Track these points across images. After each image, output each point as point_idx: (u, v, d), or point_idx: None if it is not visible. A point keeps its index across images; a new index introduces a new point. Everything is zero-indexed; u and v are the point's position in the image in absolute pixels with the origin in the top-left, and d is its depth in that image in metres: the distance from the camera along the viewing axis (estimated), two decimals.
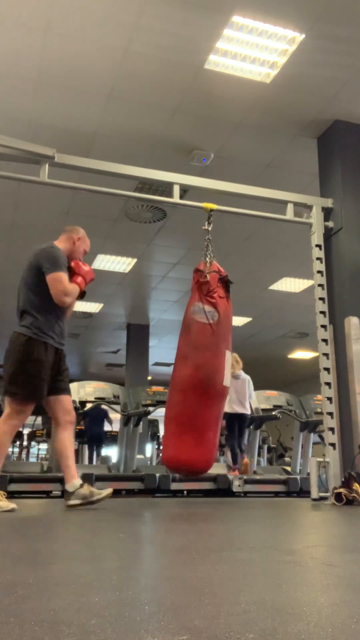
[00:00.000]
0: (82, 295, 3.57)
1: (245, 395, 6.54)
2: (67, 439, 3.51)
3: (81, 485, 3.37)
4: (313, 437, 7.51)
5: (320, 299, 4.80)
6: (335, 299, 4.86)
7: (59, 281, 3.34)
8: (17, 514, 3.31)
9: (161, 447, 10.96)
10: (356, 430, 4.49)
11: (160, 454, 10.97)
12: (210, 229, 4.38)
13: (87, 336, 12.62)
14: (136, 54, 4.45)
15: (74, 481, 3.39)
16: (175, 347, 4.08)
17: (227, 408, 6.48)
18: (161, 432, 11.05)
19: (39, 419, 10.66)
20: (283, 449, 10.30)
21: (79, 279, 3.48)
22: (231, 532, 2.60)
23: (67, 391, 3.56)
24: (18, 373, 3.34)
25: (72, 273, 3.52)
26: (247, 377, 6.66)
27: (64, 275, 3.36)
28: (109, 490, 3.46)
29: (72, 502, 3.34)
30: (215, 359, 3.90)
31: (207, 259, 4.19)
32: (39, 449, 12.78)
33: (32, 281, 3.48)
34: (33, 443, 10.99)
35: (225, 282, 4.10)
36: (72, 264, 3.56)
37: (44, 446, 11.68)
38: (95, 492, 3.40)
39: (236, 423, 6.51)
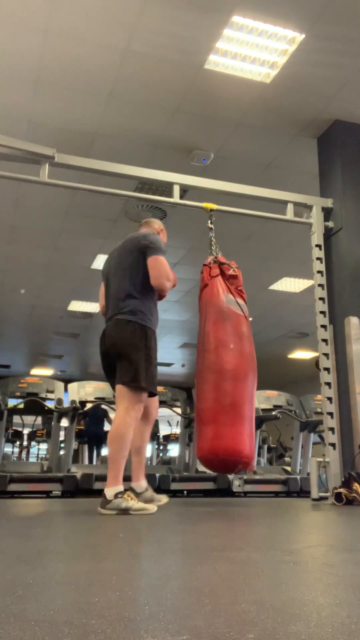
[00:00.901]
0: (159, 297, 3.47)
1: None
2: (146, 435, 3.38)
3: (146, 489, 3.31)
4: (313, 437, 7.51)
5: (320, 299, 4.80)
6: (335, 299, 4.86)
7: (163, 264, 3.21)
8: (17, 514, 3.31)
9: (161, 447, 10.96)
10: (356, 430, 4.49)
11: (161, 455, 10.95)
12: (213, 227, 4.42)
13: (87, 336, 12.62)
14: (136, 54, 4.45)
15: (142, 482, 3.33)
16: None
17: None
18: (161, 432, 11.05)
19: (39, 419, 10.65)
20: (283, 449, 10.30)
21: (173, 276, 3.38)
22: (231, 532, 2.60)
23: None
24: (140, 362, 3.14)
25: None
26: None
27: (164, 259, 3.23)
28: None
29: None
30: (254, 352, 3.99)
31: (217, 255, 4.25)
32: (39, 449, 12.77)
33: (132, 265, 3.31)
34: (33, 443, 10.98)
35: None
36: None
37: (44, 446, 11.68)
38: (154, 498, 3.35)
39: None
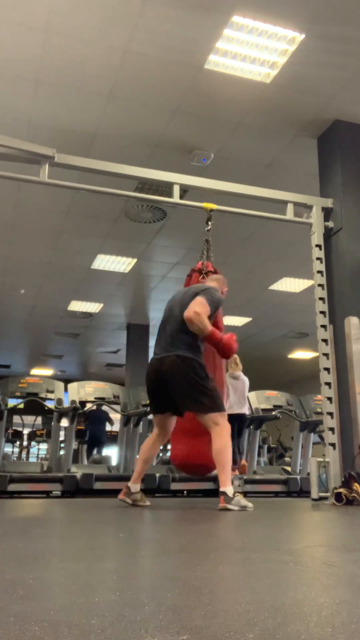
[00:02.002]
0: (224, 353, 3.72)
1: (244, 396, 6.58)
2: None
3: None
4: (313, 437, 7.51)
5: (320, 299, 4.80)
6: (335, 299, 4.86)
7: (200, 304, 3.48)
8: (18, 514, 3.31)
9: (169, 446, 10.97)
10: (356, 430, 4.49)
11: (161, 455, 10.97)
12: (208, 229, 4.42)
13: (87, 336, 12.62)
14: (136, 54, 4.45)
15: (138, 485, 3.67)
16: None
17: (227, 410, 6.50)
18: None
19: (39, 419, 10.67)
20: (283, 449, 10.30)
21: (217, 332, 3.56)
22: (231, 532, 2.60)
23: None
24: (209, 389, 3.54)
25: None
26: (246, 379, 6.69)
27: (207, 307, 3.49)
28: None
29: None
30: None
31: (207, 259, 4.26)
32: (38, 449, 12.78)
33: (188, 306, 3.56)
34: (33, 443, 10.99)
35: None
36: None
37: (44, 446, 11.68)
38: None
39: (236, 424, 6.53)
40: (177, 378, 3.49)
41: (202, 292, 3.56)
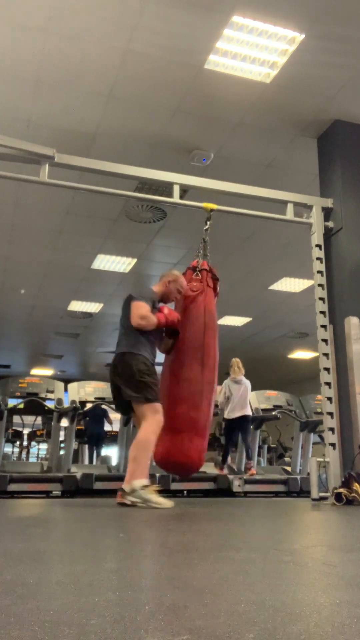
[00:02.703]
0: (172, 334, 4.00)
1: (246, 400, 6.63)
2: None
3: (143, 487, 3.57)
4: (313, 437, 7.51)
5: (320, 299, 4.80)
6: (335, 299, 4.86)
7: (138, 307, 3.81)
8: (17, 514, 3.31)
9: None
10: (356, 430, 4.49)
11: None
12: (206, 228, 4.44)
13: (87, 336, 12.62)
14: (136, 54, 4.45)
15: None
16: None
17: (228, 414, 6.55)
18: None
19: (39, 419, 10.66)
20: (283, 449, 10.29)
21: (160, 315, 3.85)
22: (231, 532, 2.60)
23: None
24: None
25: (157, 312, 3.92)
26: (248, 383, 6.71)
27: (144, 305, 3.81)
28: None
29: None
30: None
31: (208, 258, 4.33)
32: (38, 449, 12.77)
33: (126, 315, 3.91)
34: (33, 443, 10.98)
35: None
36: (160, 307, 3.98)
37: (44, 446, 11.68)
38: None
39: (237, 426, 6.57)
40: (119, 371, 3.77)
41: (132, 297, 3.91)
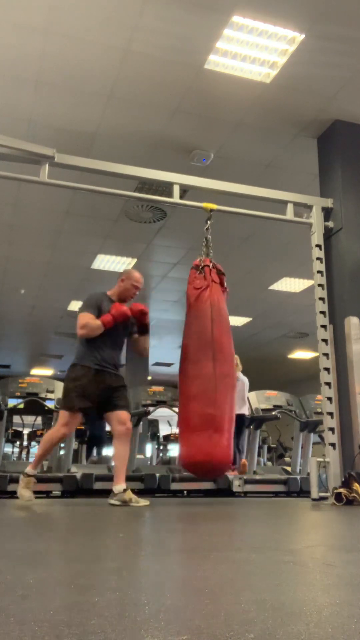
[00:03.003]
0: (143, 331, 4.13)
1: (244, 397, 6.58)
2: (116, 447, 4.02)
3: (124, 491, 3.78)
4: (313, 437, 7.50)
5: (320, 299, 4.80)
6: (335, 299, 4.86)
7: (79, 320, 4.06)
8: (17, 514, 3.31)
9: (161, 447, 10.97)
10: (356, 430, 4.49)
11: (162, 455, 10.94)
12: (206, 228, 4.45)
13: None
14: (136, 54, 4.45)
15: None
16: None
17: None
18: (161, 432, 11.05)
19: (39, 419, 10.65)
20: (283, 449, 10.29)
21: (104, 316, 3.96)
22: (231, 532, 2.60)
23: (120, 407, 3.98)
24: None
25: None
26: (246, 379, 6.69)
27: (85, 314, 4.02)
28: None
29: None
30: None
31: (205, 256, 4.35)
32: None
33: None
34: (33, 443, 10.97)
35: None
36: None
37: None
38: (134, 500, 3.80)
39: (235, 424, 6.51)
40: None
41: (79, 309, 4.12)
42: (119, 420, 3.89)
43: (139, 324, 4.10)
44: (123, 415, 3.90)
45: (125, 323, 4.02)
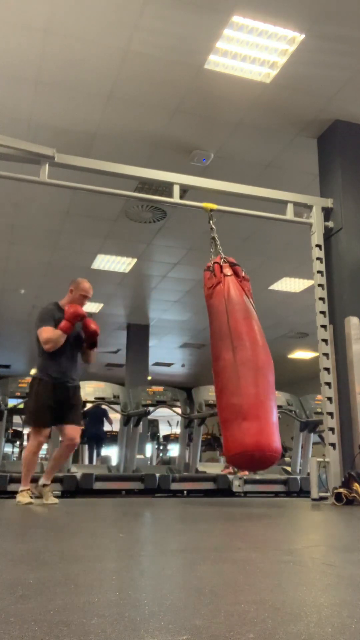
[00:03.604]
0: (91, 340, 4.19)
1: None
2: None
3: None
4: (313, 437, 7.50)
5: (320, 299, 4.80)
6: (335, 299, 4.86)
7: (39, 334, 4.07)
8: (17, 514, 3.31)
9: (161, 447, 10.97)
10: (356, 430, 4.49)
11: (162, 455, 10.93)
12: (214, 226, 4.46)
13: None
14: (136, 54, 4.45)
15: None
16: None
17: None
18: (161, 432, 11.06)
19: None
20: (283, 449, 10.29)
21: (62, 324, 4.00)
22: (231, 532, 2.60)
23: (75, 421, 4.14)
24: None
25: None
26: None
27: (44, 328, 4.05)
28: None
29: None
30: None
31: (221, 254, 4.34)
32: None
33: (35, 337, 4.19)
34: None
35: None
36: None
37: (44, 446, 11.68)
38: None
39: None
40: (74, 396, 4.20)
41: (36, 327, 4.13)
42: (69, 436, 4.08)
43: (89, 341, 4.20)
44: (73, 431, 4.11)
45: (77, 334, 4.14)
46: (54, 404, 4.00)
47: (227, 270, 4.22)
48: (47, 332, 4.02)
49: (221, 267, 4.24)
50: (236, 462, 4.04)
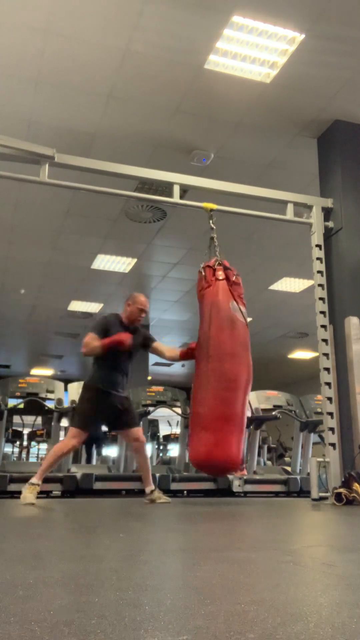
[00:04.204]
0: (129, 354, 4.29)
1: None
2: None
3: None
4: (313, 437, 7.50)
5: (320, 299, 4.80)
6: (335, 299, 4.86)
7: (86, 338, 4.18)
8: (17, 514, 3.31)
9: (161, 447, 10.97)
10: (356, 430, 4.49)
11: (162, 455, 10.94)
12: (214, 227, 4.45)
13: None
14: (136, 54, 4.45)
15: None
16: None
17: None
18: (161, 432, 11.04)
19: (39, 419, 10.66)
20: (283, 449, 10.28)
21: (107, 341, 4.08)
22: (231, 532, 2.60)
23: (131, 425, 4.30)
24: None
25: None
26: None
27: (90, 334, 4.17)
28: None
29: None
30: (251, 361, 4.21)
31: (218, 256, 4.32)
32: (38, 449, 12.76)
33: None
34: (33, 443, 10.97)
35: None
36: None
37: (44, 446, 11.67)
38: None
39: None
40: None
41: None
42: (133, 437, 4.26)
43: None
44: (136, 432, 4.26)
45: (130, 352, 4.25)
46: (102, 414, 4.19)
47: (220, 274, 4.20)
48: (89, 339, 4.16)
49: (213, 270, 4.23)
50: (196, 467, 4.32)
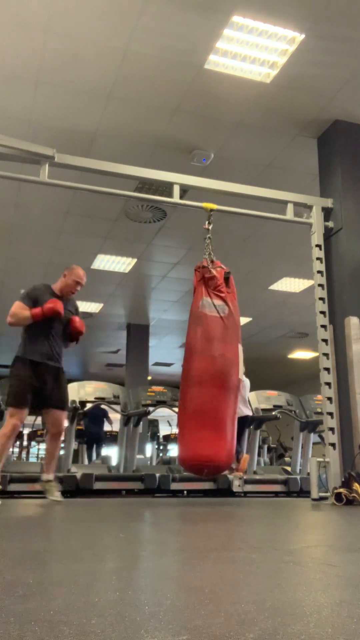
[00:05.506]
0: (73, 339, 4.26)
1: (245, 399, 6.56)
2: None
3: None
4: (313, 437, 7.50)
5: (320, 299, 4.80)
6: (335, 299, 4.86)
7: (11, 308, 4.11)
8: (17, 514, 3.31)
9: (161, 447, 10.97)
10: (356, 430, 4.49)
11: (162, 455, 10.93)
12: (210, 228, 4.43)
13: (87, 336, 12.53)
14: (136, 54, 4.45)
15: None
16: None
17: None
18: (161, 432, 11.05)
19: (39, 419, 10.66)
20: (283, 449, 10.28)
21: (36, 310, 4.03)
22: (231, 532, 2.60)
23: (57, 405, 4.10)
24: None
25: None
26: (247, 381, 6.68)
27: (18, 303, 4.12)
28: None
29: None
30: (230, 351, 4.00)
31: (209, 257, 4.29)
32: (38, 449, 12.76)
33: None
34: (33, 443, 10.98)
35: (226, 279, 4.20)
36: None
37: (44, 446, 11.67)
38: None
39: (239, 425, 6.50)
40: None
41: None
42: (53, 422, 4.10)
43: (72, 338, 4.24)
44: (60, 417, 4.10)
45: (60, 319, 4.10)
46: (35, 385, 4.00)
47: (198, 276, 4.21)
48: (16, 308, 4.07)
49: (197, 274, 4.24)
50: (183, 467, 4.31)
